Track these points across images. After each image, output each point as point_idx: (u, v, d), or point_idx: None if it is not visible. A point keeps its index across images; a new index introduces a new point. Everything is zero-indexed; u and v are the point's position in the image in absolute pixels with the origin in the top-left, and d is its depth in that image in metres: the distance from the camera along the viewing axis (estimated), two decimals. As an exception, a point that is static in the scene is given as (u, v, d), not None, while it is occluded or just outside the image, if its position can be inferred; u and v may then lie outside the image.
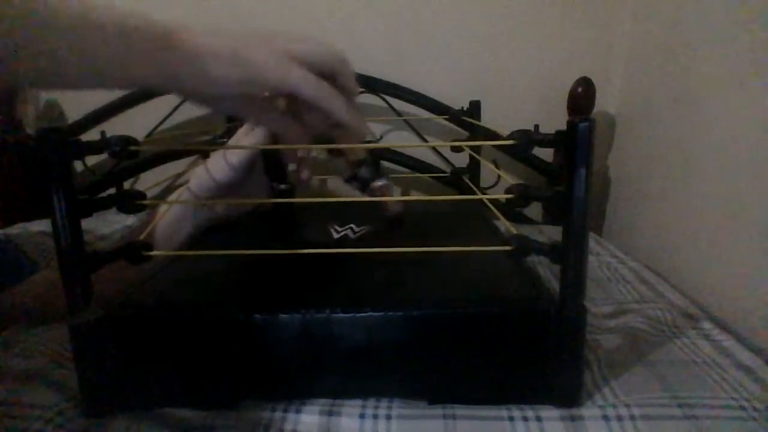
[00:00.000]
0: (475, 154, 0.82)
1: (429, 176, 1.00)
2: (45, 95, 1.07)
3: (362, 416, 0.40)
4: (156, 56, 0.35)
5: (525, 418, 0.40)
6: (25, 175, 0.98)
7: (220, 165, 0.54)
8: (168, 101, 1.01)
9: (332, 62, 0.41)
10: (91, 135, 1.02)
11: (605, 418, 0.40)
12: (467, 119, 0.87)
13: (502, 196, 0.42)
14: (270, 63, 0.38)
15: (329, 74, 0.41)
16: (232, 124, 0.94)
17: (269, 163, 0.56)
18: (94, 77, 0.34)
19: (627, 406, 0.41)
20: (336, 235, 0.61)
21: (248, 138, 0.53)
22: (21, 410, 0.40)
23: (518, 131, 0.40)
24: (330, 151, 0.50)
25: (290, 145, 0.45)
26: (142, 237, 0.44)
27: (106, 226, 0.88)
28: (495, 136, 0.47)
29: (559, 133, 0.38)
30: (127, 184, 1.05)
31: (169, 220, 0.56)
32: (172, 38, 0.36)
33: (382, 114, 1.03)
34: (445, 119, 0.98)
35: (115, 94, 1.02)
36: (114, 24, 0.33)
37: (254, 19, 1.03)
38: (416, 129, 1.05)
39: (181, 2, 1.02)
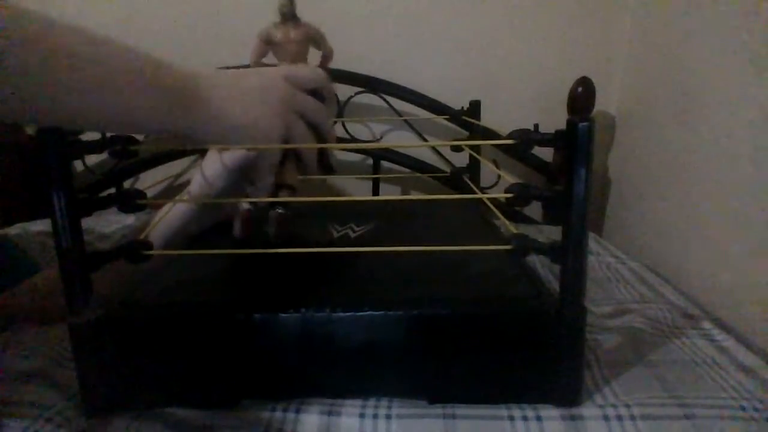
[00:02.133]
0: (475, 154, 0.82)
1: (429, 176, 1.00)
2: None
3: (362, 416, 0.40)
4: (179, 112, 0.38)
5: (525, 418, 0.40)
6: (25, 175, 0.98)
7: (215, 166, 0.55)
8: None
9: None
10: (91, 135, 1.02)
11: (605, 417, 0.40)
12: (467, 119, 0.87)
13: (502, 196, 0.42)
14: (274, 128, 0.43)
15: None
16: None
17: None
18: (111, 123, 0.36)
19: (627, 405, 0.41)
20: (336, 234, 0.61)
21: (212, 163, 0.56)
22: (21, 410, 0.40)
23: (518, 131, 0.40)
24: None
25: (294, 145, 0.45)
26: (142, 236, 0.44)
27: (106, 226, 0.88)
28: (495, 135, 0.47)
29: (558, 132, 0.38)
30: (127, 184, 1.05)
31: (171, 224, 0.57)
32: (196, 96, 0.39)
33: (382, 114, 1.03)
34: (445, 119, 0.98)
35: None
36: (149, 72, 0.36)
37: (254, 20, 1.03)
38: (416, 129, 1.05)
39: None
